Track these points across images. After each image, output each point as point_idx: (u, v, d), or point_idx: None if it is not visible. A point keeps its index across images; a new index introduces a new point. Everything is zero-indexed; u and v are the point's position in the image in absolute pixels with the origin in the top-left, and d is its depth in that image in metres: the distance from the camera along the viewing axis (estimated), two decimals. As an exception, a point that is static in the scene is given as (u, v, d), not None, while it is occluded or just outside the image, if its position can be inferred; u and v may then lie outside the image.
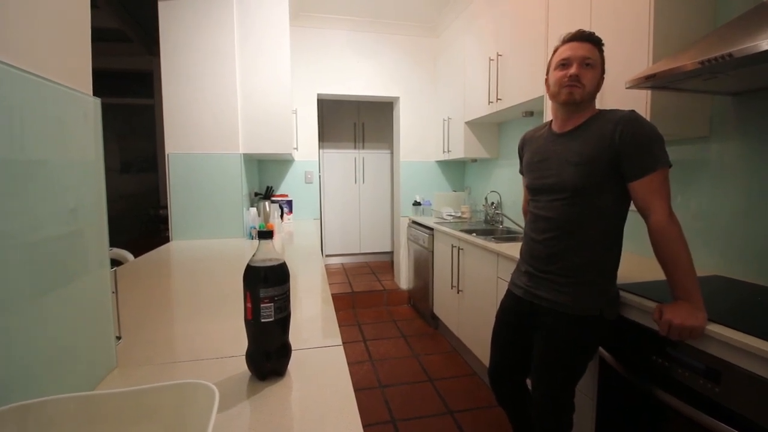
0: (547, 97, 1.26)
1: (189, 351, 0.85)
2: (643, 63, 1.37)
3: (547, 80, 1.23)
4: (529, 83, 2.12)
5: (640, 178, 1.06)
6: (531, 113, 2.48)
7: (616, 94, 1.46)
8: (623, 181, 1.09)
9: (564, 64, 1.15)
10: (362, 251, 5.12)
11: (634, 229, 1.31)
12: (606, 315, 1.15)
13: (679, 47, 1.29)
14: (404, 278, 3.86)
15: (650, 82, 1.21)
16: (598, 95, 1.19)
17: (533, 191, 1.28)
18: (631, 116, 1.07)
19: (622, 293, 1.19)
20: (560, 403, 1.20)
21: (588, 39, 1.15)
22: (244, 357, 0.73)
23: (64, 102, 0.64)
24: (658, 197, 1.04)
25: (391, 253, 5.04)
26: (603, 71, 1.17)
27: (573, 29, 1.16)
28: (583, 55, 1.12)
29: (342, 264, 5.04)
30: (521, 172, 1.41)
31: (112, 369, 0.75)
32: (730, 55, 0.96)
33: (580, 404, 1.27)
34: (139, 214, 3.92)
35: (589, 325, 1.15)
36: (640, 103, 1.39)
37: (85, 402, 0.49)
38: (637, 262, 1.58)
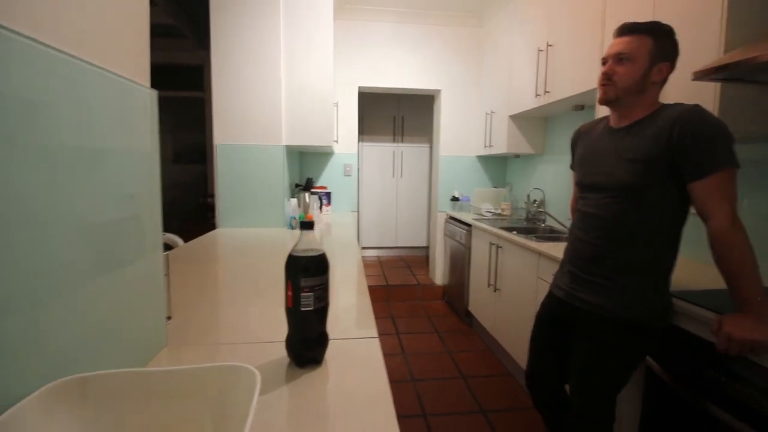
0: None
1: (232, 334, 0.89)
2: (713, 52, 1.26)
3: None
4: (580, 75, 2.01)
5: (699, 179, 0.97)
6: (581, 107, 2.36)
7: (681, 86, 1.34)
8: (683, 181, 1.01)
9: (603, 62, 1.13)
10: (398, 245, 5.13)
11: (693, 234, 1.21)
12: (655, 322, 1.08)
13: (758, 34, 1.17)
14: (439, 274, 3.82)
15: (722, 73, 1.11)
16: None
17: (583, 188, 1.22)
18: (693, 111, 0.99)
19: (676, 301, 1.11)
20: (599, 412, 1.14)
21: (629, 31, 1.08)
22: (283, 343, 0.75)
23: (125, 93, 0.68)
24: (719, 200, 0.95)
25: (427, 247, 5.01)
26: (655, 59, 1.06)
27: (632, 15, 1.09)
28: (617, 51, 1.08)
29: (377, 257, 5.08)
30: (572, 167, 1.34)
31: (162, 347, 0.79)
32: (818, 42, 0.85)
33: (621, 415, 1.21)
34: (189, 202, 4.14)
35: (635, 332, 1.08)
36: (708, 96, 1.28)
37: (138, 377, 0.52)
38: (695, 268, 1.47)
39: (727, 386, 0.96)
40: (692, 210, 1.04)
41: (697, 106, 1.00)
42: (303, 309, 0.69)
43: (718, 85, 1.25)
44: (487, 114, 3.33)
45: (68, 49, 0.53)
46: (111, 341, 0.63)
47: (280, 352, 0.76)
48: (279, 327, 0.88)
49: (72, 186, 0.54)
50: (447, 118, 3.69)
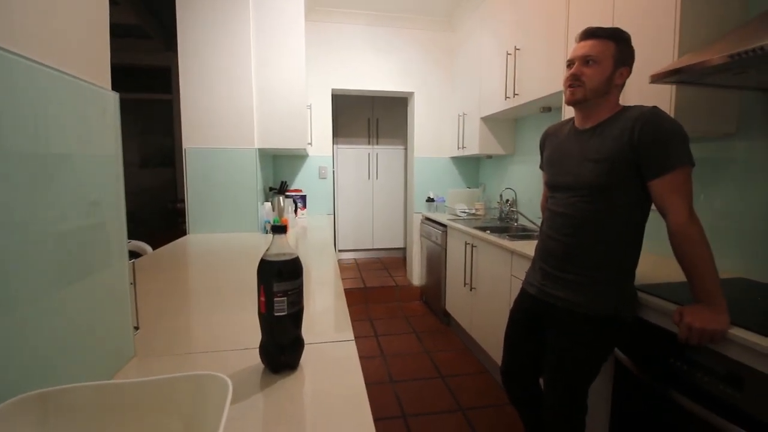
0: None
1: (205, 342, 0.87)
2: (668, 56, 1.33)
3: None
4: (547, 78, 2.08)
5: (658, 177, 1.02)
6: (549, 109, 2.44)
7: (640, 89, 1.41)
8: (644, 179, 1.06)
9: (568, 64, 1.17)
10: (375, 247, 5.13)
11: (655, 229, 1.27)
12: (623, 315, 1.12)
13: (708, 40, 1.24)
14: (416, 274, 3.85)
15: (675, 77, 1.17)
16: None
17: (552, 188, 1.26)
18: (652, 112, 1.04)
19: (640, 294, 1.16)
20: (572, 404, 1.18)
21: (593, 35, 1.13)
22: (257, 349, 0.74)
23: (85, 97, 0.65)
24: (677, 197, 1.01)
25: (404, 249, 5.04)
26: (618, 64, 1.11)
27: (594, 22, 1.14)
28: (583, 54, 1.12)
29: (355, 259, 5.06)
30: (541, 167, 1.38)
31: (130, 358, 0.76)
32: (761, 48, 0.92)
33: (593, 406, 1.25)
34: (158, 208, 4.01)
35: (604, 326, 1.12)
36: (665, 98, 1.34)
37: (103, 390, 0.50)
38: (657, 262, 1.54)
39: (689, 374, 1.01)
40: (653, 206, 1.09)
41: (655, 108, 1.05)
42: (276, 314, 0.68)
43: (674, 87, 1.32)
44: (459, 116, 3.38)
45: (21, 51, 0.51)
46: (75, 354, 0.60)
47: (255, 359, 0.74)
48: (253, 333, 0.86)
49: (30, 194, 0.51)
50: (421, 120, 3.73)
